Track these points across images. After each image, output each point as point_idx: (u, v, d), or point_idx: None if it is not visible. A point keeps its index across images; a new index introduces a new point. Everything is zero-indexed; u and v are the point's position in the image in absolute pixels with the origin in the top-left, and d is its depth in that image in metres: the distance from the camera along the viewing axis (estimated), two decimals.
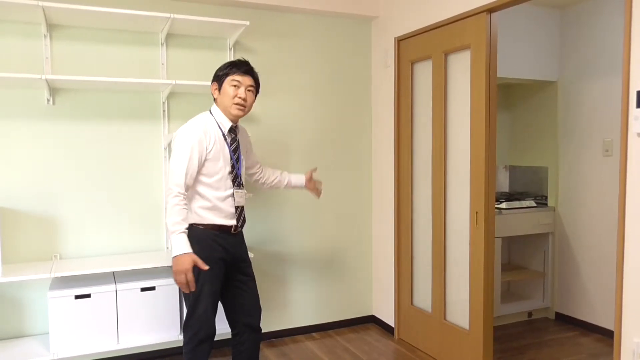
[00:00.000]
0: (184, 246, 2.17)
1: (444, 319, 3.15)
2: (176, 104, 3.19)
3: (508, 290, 4.17)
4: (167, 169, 3.19)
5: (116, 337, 2.83)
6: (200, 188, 2.31)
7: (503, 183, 4.28)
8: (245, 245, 2.56)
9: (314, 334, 3.64)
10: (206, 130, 2.30)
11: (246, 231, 3.40)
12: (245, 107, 2.37)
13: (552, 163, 3.91)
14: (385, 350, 3.39)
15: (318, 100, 3.58)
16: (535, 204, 3.87)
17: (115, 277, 2.97)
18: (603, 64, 3.55)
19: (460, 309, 3.04)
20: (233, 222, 2.38)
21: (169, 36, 3.14)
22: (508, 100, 4.22)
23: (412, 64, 3.33)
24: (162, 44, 3.13)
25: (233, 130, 2.40)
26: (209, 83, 2.99)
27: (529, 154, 4.11)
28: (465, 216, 2.95)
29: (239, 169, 2.41)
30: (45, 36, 2.88)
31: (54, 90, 2.92)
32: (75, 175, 3.00)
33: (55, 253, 2.98)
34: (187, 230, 2.20)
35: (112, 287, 2.82)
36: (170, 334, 2.95)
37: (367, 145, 3.78)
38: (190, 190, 2.30)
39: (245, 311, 2.49)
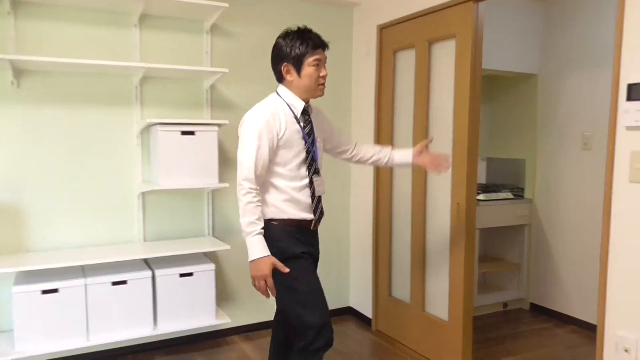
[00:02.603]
0: (261, 249, 1.97)
1: (423, 310, 3.13)
2: (150, 89, 3.05)
3: (484, 282, 4.19)
4: (153, 160, 3.05)
5: (86, 334, 2.70)
6: (274, 179, 2.06)
7: (480, 174, 4.28)
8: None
9: None
10: (275, 113, 2.04)
11: (222, 222, 3.34)
12: (325, 85, 2.15)
13: (529, 155, 3.93)
14: (362, 342, 3.35)
15: None
16: (512, 196, 3.89)
17: (84, 270, 2.83)
18: (584, 58, 3.56)
19: (439, 300, 3.02)
20: (311, 215, 2.13)
21: (143, 17, 2.99)
22: (488, 92, 4.21)
23: (395, 52, 3.26)
24: (135, 25, 2.97)
25: (306, 111, 2.14)
26: (185, 67, 2.89)
27: (507, 146, 4.12)
28: (446, 207, 2.92)
29: (315, 153, 2.14)
30: (9, 13, 2.69)
31: (18, 71, 2.74)
32: (42, 163, 2.83)
33: (20, 245, 2.81)
34: (263, 231, 1.99)
35: (81, 281, 2.68)
36: (144, 330, 2.83)
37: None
38: (263, 183, 2.06)
39: None
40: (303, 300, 2.06)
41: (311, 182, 2.11)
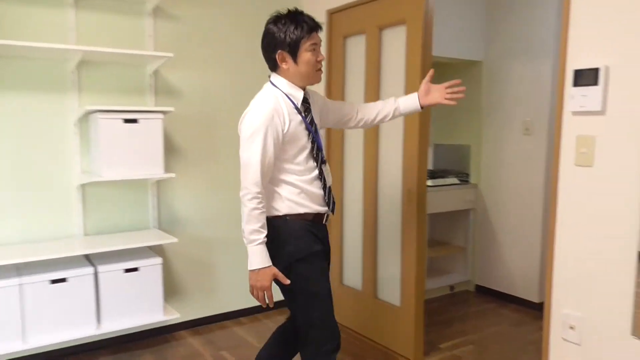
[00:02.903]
0: (263, 259, 1.84)
1: (375, 296, 3.14)
2: (89, 75, 2.86)
3: (431, 266, 4.28)
4: (93, 150, 2.87)
5: (22, 337, 2.52)
6: (284, 175, 1.93)
7: (428, 161, 4.34)
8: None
9: (241, 319, 3.50)
10: (278, 108, 1.88)
11: (168, 214, 3.20)
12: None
13: (475, 141, 4.02)
14: None
15: (244, 74, 3.37)
16: (458, 182, 3.97)
17: (19, 269, 2.63)
18: (525, 46, 3.66)
19: (391, 285, 3.04)
20: (324, 208, 2.00)
21: None
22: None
23: (345, 38, 3.22)
24: (71, 5, 2.77)
25: (306, 99, 1.99)
26: (126, 51, 2.72)
27: (454, 132, 4.20)
28: (397, 194, 2.94)
29: (319, 141, 2.00)
30: None
31: None
32: None
33: None
34: (266, 239, 1.86)
35: (15, 280, 2.50)
36: (86, 329, 2.69)
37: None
38: (273, 179, 1.93)
39: None
40: (316, 303, 1.94)
41: (320, 173, 1.98)
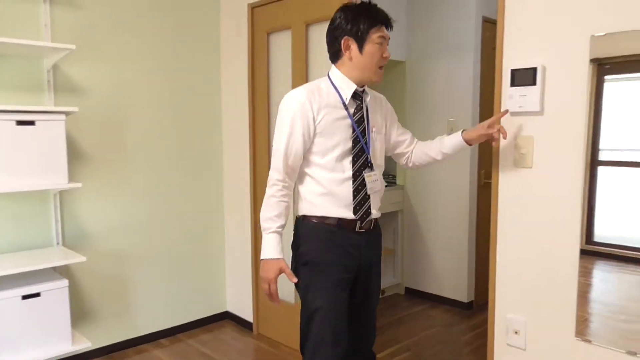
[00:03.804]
0: (273, 250, 1.79)
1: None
2: None
3: None
4: None
5: None
6: (311, 169, 1.82)
7: None
8: (380, 248, 1.99)
9: (162, 341, 3.19)
10: (314, 96, 1.78)
11: (74, 228, 2.82)
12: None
13: None
14: (244, 348, 3.11)
15: (159, 69, 3.08)
16: (385, 183, 3.90)
17: None
18: (447, 44, 3.67)
19: None
20: (350, 214, 1.82)
21: None
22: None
23: (269, 34, 3.03)
24: None
25: (358, 95, 1.85)
26: (16, 41, 2.33)
27: None
28: None
29: (366, 144, 1.84)
30: None
31: None
32: None
33: None
34: (281, 229, 1.80)
35: None
36: (60, 347, 2.42)
37: (217, 124, 3.39)
38: (300, 172, 1.84)
39: (357, 333, 1.94)
40: (314, 316, 1.80)
41: (357, 176, 1.82)
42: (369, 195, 1.85)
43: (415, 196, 3.94)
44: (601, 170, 1.86)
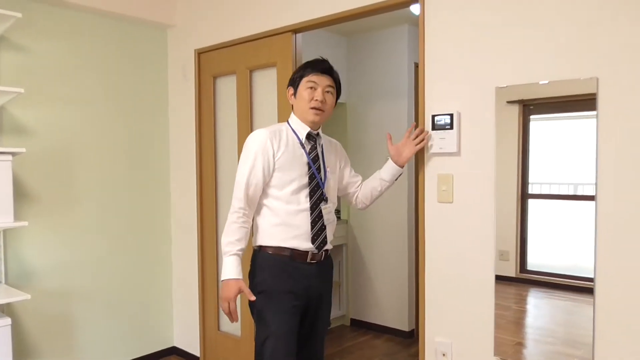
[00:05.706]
0: (232, 270, 1.92)
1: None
2: None
3: None
4: None
5: None
6: (269, 200, 2.01)
7: None
8: (331, 278, 2.18)
9: None
10: (275, 136, 2.00)
11: (18, 267, 2.83)
12: (323, 110, 2.05)
13: None
14: None
15: (107, 112, 3.17)
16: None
17: None
18: (383, 89, 3.94)
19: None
20: (308, 244, 1.99)
21: None
22: None
23: (215, 78, 3.20)
24: None
25: (312, 137, 2.09)
26: None
27: None
28: None
29: (321, 180, 2.06)
30: None
31: None
32: None
33: None
34: (240, 252, 1.95)
35: None
36: None
37: (164, 165, 3.49)
38: (258, 205, 2.03)
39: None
40: (268, 342, 1.95)
41: (314, 208, 2.01)
42: (325, 226, 2.05)
43: (359, 230, 4.13)
44: (532, 202, 2.04)
